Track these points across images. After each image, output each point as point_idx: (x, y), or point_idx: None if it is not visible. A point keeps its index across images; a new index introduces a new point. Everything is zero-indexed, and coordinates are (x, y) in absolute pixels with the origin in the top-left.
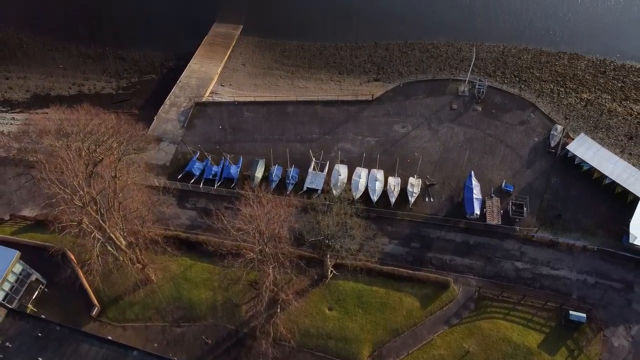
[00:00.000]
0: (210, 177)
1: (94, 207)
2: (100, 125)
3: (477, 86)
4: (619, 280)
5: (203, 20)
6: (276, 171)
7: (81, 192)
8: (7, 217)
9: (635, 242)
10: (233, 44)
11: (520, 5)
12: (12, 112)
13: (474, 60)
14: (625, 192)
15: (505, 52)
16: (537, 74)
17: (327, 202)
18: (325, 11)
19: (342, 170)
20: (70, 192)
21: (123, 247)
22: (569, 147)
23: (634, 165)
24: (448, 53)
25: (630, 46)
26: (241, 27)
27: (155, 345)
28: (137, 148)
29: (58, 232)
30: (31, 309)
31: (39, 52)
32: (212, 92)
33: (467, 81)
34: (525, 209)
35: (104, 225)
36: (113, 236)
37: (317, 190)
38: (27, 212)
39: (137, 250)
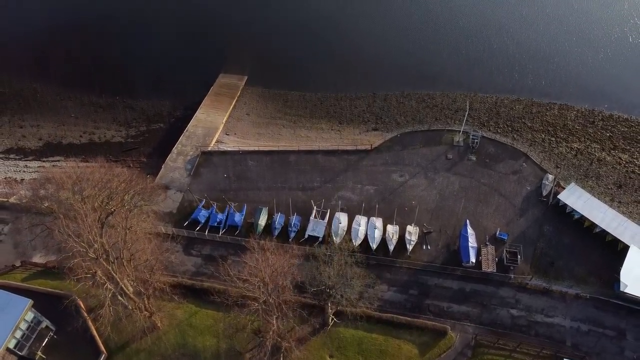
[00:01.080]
0: (216, 224)
1: (107, 259)
2: (113, 179)
3: (471, 136)
4: (611, 328)
5: (210, 71)
6: (279, 219)
7: (96, 246)
8: (18, 264)
9: (626, 290)
10: (238, 94)
11: (512, 58)
12: (25, 160)
13: (467, 112)
14: (616, 240)
15: (498, 103)
16: (529, 124)
17: (328, 253)
18: (326, 63)
19: (342, 218)
20: (85, 245)
21: (132, 296)
22: (560, 196)
23: (623, 213)
24: (443, 103)
25: (617, 97)
26: (246, 77)
27: None
28: (147, 200)
29: (73, 284)
30: (40, 356)
31: (52, 101)
32: (217, 141)
33: (461, 132)
34: (519, 256)
35: (115, 276)
36: (123, 285)
37: (318, 237)
38: (38, 259)
39: (146, 299)
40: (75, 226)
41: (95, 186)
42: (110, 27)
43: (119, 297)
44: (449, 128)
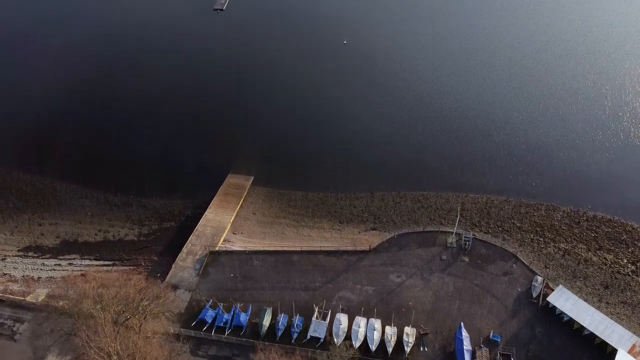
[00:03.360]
0: (222, 324)
1: None
2: (130, 287)
3: (463, 238)
4: None
5: (219, 171)
6: (282, 320)
7: (110, 350)
8: None
9: None
10: (245, 193)
11: (501, 160)
12: (43, 258)
13: (459, 216)
14: (604, 343)
15: (488, 203)
16: (518, 224)
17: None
18: (327, 163)
19: (342, 319)
20: (105, 356)
21: None
22: (549, 299)
23: (610, 314)
24: (437, 204)
25: (599, 198)
26: (252, 177)
27: None
28: (161, 306)
29: None
30: None
31: (70, 199)
32: (225, 240)
33: (454, 233)
34: (512, 359)
35: None
36: None
37: (320, 338)
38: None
39: None
40: (96, 339)
41: (114, 297)
42: (126, 128)
43: None
44: (443, 230)
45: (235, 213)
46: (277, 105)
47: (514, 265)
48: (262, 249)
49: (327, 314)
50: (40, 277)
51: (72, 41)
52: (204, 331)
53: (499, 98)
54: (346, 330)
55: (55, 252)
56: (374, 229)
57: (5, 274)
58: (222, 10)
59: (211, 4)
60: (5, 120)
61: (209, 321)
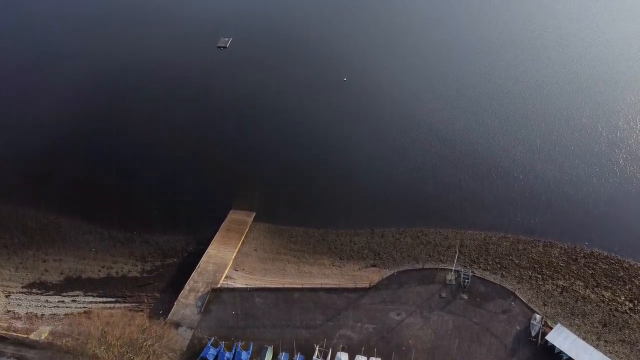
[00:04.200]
0: None
1: None
2: (134, 329)
3: (462, 276)
4: None
5: (221, 206)
6: (283, 358)
7: None
8: None
9: None
10: (246, 229)
11: (499, 196)
12: (47, 295)
13: (457, 254)
14: None
15: (486, 240)
16: (516, 261)
17: None
18: (327, 199)
19: (343, 357)
20: None
21: None
22: (548, 337)
23: (609, 353)
24: (436, 240)
25: (596, 234)
26: (254, 214)
27: None
28: (164, 346)
29: None
30: None
31: (74, 235)
32: (227, 277)
33: (453, 271)
34: None
35: None
36: None
37: None
38: None
39: None
40: None
41: (118, 338)
42: (129, 164)
43: None
44: (442, 267)
45: (237, 249)
46: (277, 142)
47: (513, 302)
48: (263, 286)
49: (328, 352)
50: (44, 314)
51: (76, 76)
52: None
53: (497, 134)
54: None
55: (59, 288)
56: (374, 266)
57: (9, 311)
58: (225, 48)
59: (215, 42)
60: (12, 156)
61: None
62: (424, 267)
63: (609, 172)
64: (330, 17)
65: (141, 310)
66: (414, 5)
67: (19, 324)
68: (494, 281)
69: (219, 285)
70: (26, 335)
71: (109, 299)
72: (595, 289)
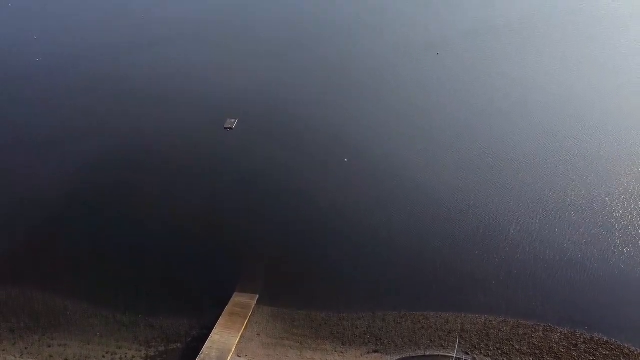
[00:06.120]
0: None
1: None
2: None
3: None
4: None
5: (225, 288)
6: None
7: None
8: None
9: None
10: (250, 313)
11: (498, 277)
12: None
13: (458, 341)
14: None
15: (487, 324)
16: (517, 347)
17: None
18: (329, 281)
19: None
20: None
21: None
22: None
23: None
24: (437, 324)
25: (596, 319)
26: (257, 296)
27: None
28: None
29: None
30: None
31: (80, 319)
32: None
33: (454, 358)
34: None
35: None
36: None
37: None
38: None
39: None
40: None
41: None
42: (134, 246)
43: None
44: (443, 353)
45: (240, 334)
46: (280, 223)
47: None
48: None
49: None
50: None
51: (83, 154)
52: None
53: (496, 212)
54: None
55: None
56: (375, 352)
57: None
58: (231, 129)
59: (221, 123)
60: (21, 235)
61: None
62: (425, 353)
63: (606, 253)
64: (333, 100)
65: None
66: (417, 85)
67: None
68: None
69: None
70: None
71: None
72: None
